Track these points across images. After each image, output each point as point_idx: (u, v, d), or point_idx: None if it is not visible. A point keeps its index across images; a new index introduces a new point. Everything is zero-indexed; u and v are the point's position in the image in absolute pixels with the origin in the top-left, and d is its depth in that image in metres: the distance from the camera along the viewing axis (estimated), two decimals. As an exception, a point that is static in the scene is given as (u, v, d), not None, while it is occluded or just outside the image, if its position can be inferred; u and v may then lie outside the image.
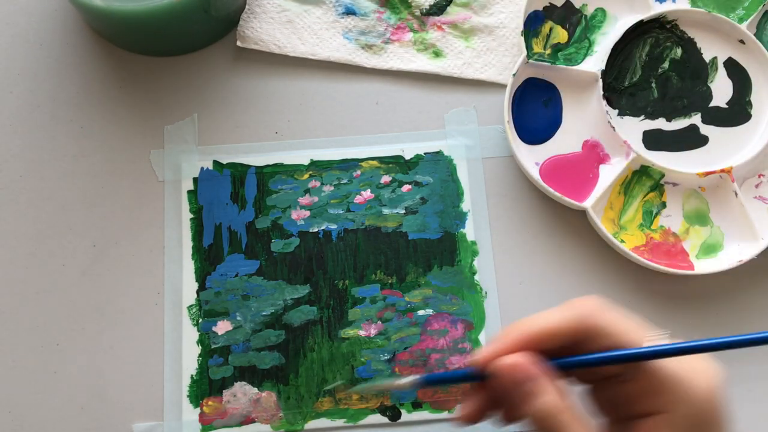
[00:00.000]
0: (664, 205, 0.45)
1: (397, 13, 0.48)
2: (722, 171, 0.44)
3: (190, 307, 0.42)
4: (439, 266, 0.43)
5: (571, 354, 0.30)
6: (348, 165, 0.45)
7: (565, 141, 0.45)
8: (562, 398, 0.29)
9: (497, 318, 0.42)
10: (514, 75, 0.45)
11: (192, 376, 0.41)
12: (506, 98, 0.44)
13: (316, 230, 0.44)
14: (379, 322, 0.42)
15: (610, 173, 0.44)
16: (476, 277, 0.43)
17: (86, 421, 0.41)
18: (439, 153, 0.46)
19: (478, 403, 0.32)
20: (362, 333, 0.42)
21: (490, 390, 0.31)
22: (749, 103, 0.46)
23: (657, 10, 0.47)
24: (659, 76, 0.47)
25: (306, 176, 0.45)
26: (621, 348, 0.29)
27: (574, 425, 0.29)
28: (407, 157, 0.45)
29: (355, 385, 0.40)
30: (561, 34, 0.48)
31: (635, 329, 0.30)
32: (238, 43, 0.47)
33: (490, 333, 0.42)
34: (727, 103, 0.46)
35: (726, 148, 0.45)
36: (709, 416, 0.29)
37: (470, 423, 0.33)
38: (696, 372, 0.29)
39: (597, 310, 0.30)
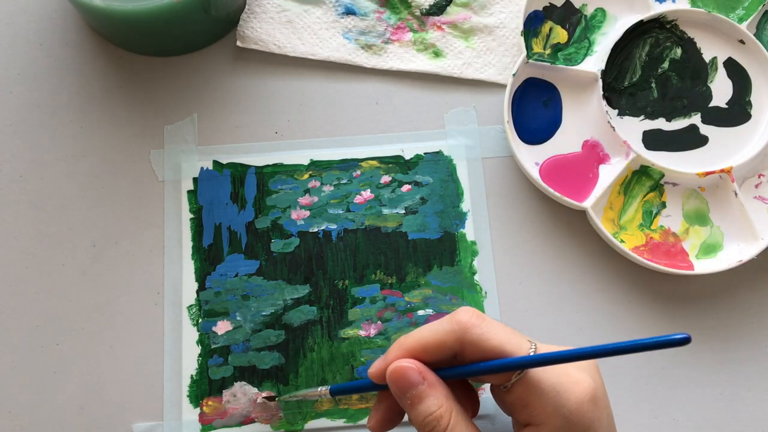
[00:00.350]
0: (663, 205, 0.45)
1: (397, 13, 0.48)
2: (722, 171, 0.44)
3: (190, 307, 0.42)
4: (439, 266, 0.43)
5: (456, 363, 0.32)
6: (348, 165, 0.45)
7: (565, 141, 0.45)
8: (445, 404, 0.30)
9: (497, 318, 0.42)
10: (514, 75, 0.45)
11: (192, 376, 0.41)
12: (506, 98, 0.44)
13: (316, 230, 0.44)
14: (379, 322, 0.42)
15: (609, 173, 0.44)
16: (476, 277, 0.43)
17: (86, 421, 0.41)
18: (439, 153, 0.46)
19: (384, 411, 0.34)
20: (362, 333, 0.42)
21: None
22: (749, 103, 0.46)
23: (657, 10, 0.47)
24: (659, 76, 0.47)
25: (306, 176, 0.45)
26: (493, 358, 0.30)
27: (456, 430, 0.30)
28: (407, 157, 0.45)
29: (277, 397, 0.41)
30: (561, 34, 0.48)
31: (509, 340, 0.30)
32: (238, 43, 0.47)
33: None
34: (727, 103, 0.46)
35: (726, 148, 0.45)
36: (581, 428, 0.29)
37: (378, 430, 0.34)
38: (569, 385, 0.30)
39: (472, 322, 0.31)
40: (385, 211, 0.44)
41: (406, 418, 0.34)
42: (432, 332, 0.31)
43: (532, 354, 0.30)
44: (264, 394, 0.41)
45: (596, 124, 0.45)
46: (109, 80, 0.47)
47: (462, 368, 0.31)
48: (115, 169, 0.45)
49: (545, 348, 0.31)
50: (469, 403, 0.35)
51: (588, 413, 0.29)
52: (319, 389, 0.37)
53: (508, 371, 0.30)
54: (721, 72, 0.47)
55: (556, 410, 0.29)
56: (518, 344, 0.30)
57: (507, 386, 0.31)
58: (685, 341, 0.25)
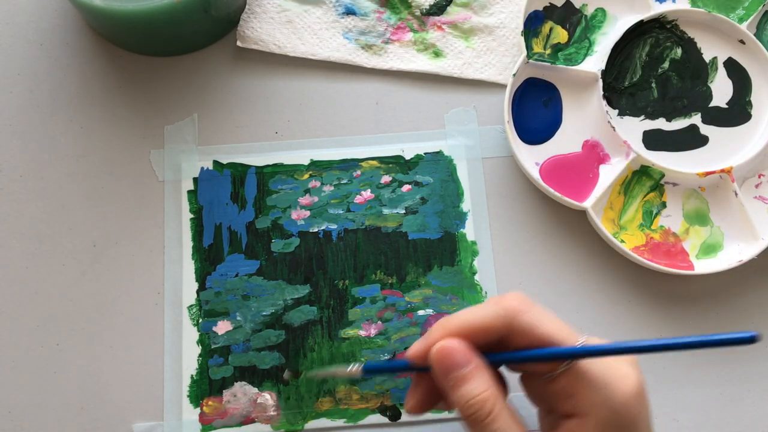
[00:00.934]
0: (664, 205, 0.45)
1: (397, 13, 0.48)
2: (722, 171, 0.44)
3: (190, 307, 0.42)
4: (439, 266, 0.43)
5: (499, 348, 0.31)
6: (348, 165, 0.45)
7: (565, 141, 0.45)
8: (490, 389, 0.29)
9: (497, 318, 0.42)
10: (514, 75, 0.45)
11: (192, 376, 0.41)
12: (506, 98, 0.44)
13: (316, 230, 0.44)
14: (379, 322, 0.42)
15: (610, 173, 0.44)
16: (476, 277, 0.43)
17: (86, 421, 0.41)
18: (439, 153, 0.46)
19: (421, 394, 0.33)
20: (362, 333, 0.42)
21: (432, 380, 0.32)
22: (749, 103, 0.46)
23: (657, 10, 0.47)
24: (659, 76, 0.47)
25: (306, 176, 0.45)
26: (543, 346, 0.30)
27: (500, 417, 0.29)
28: (407, 157, 0.45)
29: (303, 373, 0.40)
30: (561, 34, 0.48)
31: (559, 329, 0.30)
32: (238, 43, 0.47)
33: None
34: (727, 103, 0.46)
35: (726, 148, 0.45)
36: (628, 422, 0.29)
37: (416, 413, 0.34)
38: (618, 378, 0.29)
39: (522, 308, 0.30)
40: (386, 211, 0.44)
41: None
42: (479, 315, 0.30)
43: (582, 345, 0.29)
44: (285, 376, 0.40)
45: (596, 124, 0.45)
46: (109, 80, 0.47)
47: (511, 354, 0.30)
48: (115, 169, 0.45)
49: (594, 341, 0.30)
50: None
51: (634, 408, 0.29)
52: (349, 367, 0.36)
53: (561, 360, 0.29)
54: (722, 72, 0.47)
55: (604, 402, 0.29)
56: (568, 334, 0.30)
57: (552, 375, 0.30)
58: (752, 340, 0.25)
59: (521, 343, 0.30)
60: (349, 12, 0.48)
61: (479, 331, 0.30)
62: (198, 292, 0.43)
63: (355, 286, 0.43)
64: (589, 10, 0.48)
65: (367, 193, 0.45)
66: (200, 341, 0.42)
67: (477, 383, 0.29)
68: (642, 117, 0.46)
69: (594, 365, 0.29)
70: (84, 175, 0.45)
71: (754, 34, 0.47)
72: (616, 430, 0.29)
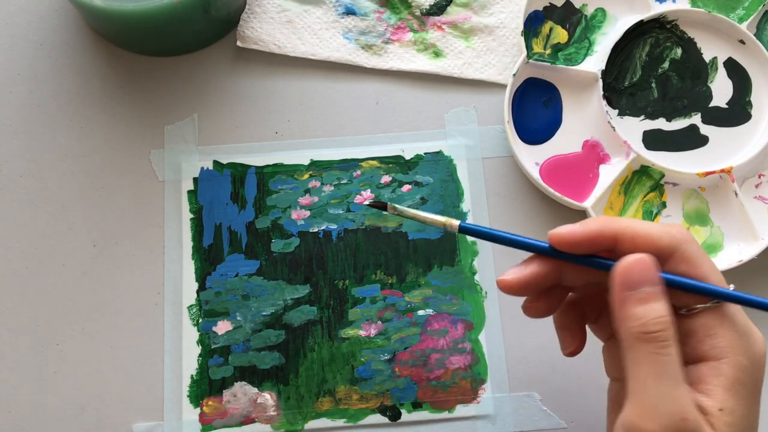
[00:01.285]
0: (664, 205, 0.45)
1: (397, 13, 0.48)
2: (722, 171, 0.44)
3: (190, 307, 0.42)
4: (439, 266, 0.43)
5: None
6: (348, 165, 0.45)
7: (565, 141, 0.45)
8: (671, 313, 0.28)
9: (497, 318, 0.42)
10: (514, 75, 0.45)
11: (192, 376, 0.41)
12: (506, 98, 0.44)
13: (316, 230, 0.44)
14: (379, 322, 0.42)
15: (610, 173, 0.44)
16: (476, 277, 0.43)
17: (86, 421, 0.41)
18: (439, 153, 0.46)
19: (547, 299, 0.33)
20: (362, 333, 0.42)
21: (561, 277, 0.32)
22: (749, 103, 0.46)
23: (657, 10, 0.47)
24: (659, 76, 0.47)
25: (306, 176, 0.45)
26: (699, 280, 0.29)
27: (675, 344, 0.28)
28: (407, 157, 0.45)
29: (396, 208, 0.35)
30: (561, 34, 0.48)
31: (715, 271, 0.30)
32: (238, 43, 0.47)
33: (490, 333, 0.42)
34: (727, 103, 0.46)
35: (726, 148, 0.45)
36: (760, 376, 0.29)
37: (534, 313, 0.33)
38: (755, 333, 0.29)
39: (689, 238, 0.30)
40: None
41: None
42: (650, 229, 0.29)
43: (732, 287, 0.29)
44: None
45: (596, 124, 0.45)
46: (109, 80, 0.47)
47: (682, 279, 0.29)
48: (115, 169, 0.45)
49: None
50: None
51: (763, 366, 0.29)
52: (446, 219, 0.34)
53: (717, 298, 0.29)
54: (722, 72, 0.47)
55: (745, 349, 0.28)
56: (720, 278, 0.30)
57: (697, 309, 0.29)
58: None
59: (677, 271, 0.29)
60: (349, 12, 0.48)
61: (644, 244, 0.29)
62: (198, 292, 0.43)
63: (355, 286, 0.43)
64: (589, 10, 0.48)
65: (367, 193, 0.45)
66: (200, 341, 0.42)
67: (662, 304, 0.28)
68: (642, 117, 0.46)
69: (738, 314, 0.29)
70: (84, 175, 0.45)
71: (754, 34, 0.47)
72: (750, 378, 0.28)
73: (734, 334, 0.29)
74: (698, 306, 0.29)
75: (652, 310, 0.28)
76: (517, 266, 0.33)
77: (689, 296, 0.30)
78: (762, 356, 0.29)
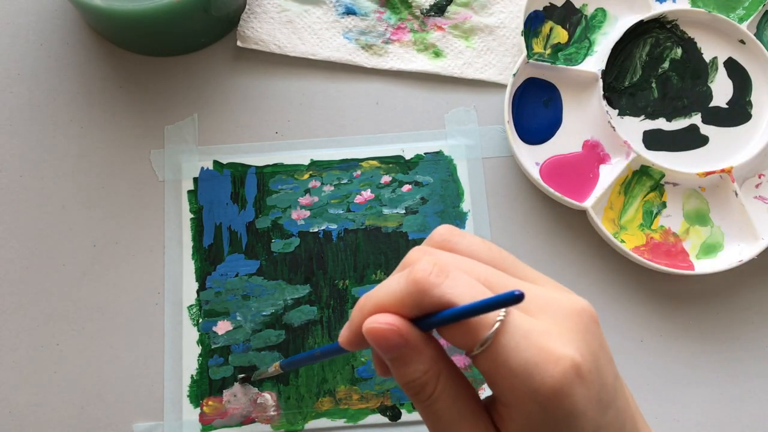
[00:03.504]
0: (664, 205, 0.45)
1: (397, 13, 0.48)
2: (722, 171, 0.44)
3: (190, 307, 0.42)
4: (439, 266, 0.43)
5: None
6: (348, 165, 0.45)
7: (565, 141, 0.45)
8: (431, 369, 0.26)
9: (497, 318, 0.42)
10: (514, 75, 0.45)
11: (192, 376, 0.41)
12: (506, 98, 0.44)
13: (316, 230, 0.44)
14: (380, 322, 0.42)
15: (610, 173, 0.44)
16: (476, 277, 0.43)
17: (86, 421, 0.41)
18: (439, 153, 0.46)
19: (381, 359, 0.29)
20: (362, 333, 0.42)
21: None
22: (749, 103, 0.46)
23: (657, 10, 0.47)
24: (659, 76, 0.47)
25: (306, 176, 0.45)
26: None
27: (441, 398, 0.26)
28: (407, 157, 0.45)
29: (251, 377, 0.41)
30: (561, 34, 0.48)
31: (470, 293, 0.25)
32: (238, 43, 0.47)
33: (491, 333, 0.42)
34: (727, 103, 0.46)
35: (726, 148, 0.45)
36: (561, 415, 0.24)
37: (386, 376, 0.30)
38: (547, 363, 0.24)
39: (430, 282, 0.25)
40: (386, 211, 0.44)
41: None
42: (389, 295, 0.26)
43: (499, 320, 0.24)
44: (239, 379, 0.41)
45: (596, 124, 0.45)
46: (109, 80, 0.47)
47: (421, 321, 0.26)
48: (115, 169, 0.45)
49: (526, 318, 0.25)
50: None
51: (568, 397, 0.24)
52: (271, 367, 0.37)
53: (457, 318, 0.24)
54: (722, 72, 0.47)
55: (529, 395, 0.24)
56: (475, 294, 0.24)
57: (471, 356, 0.25)
58: (518, 299, 0.22)
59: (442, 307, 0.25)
60: (350, 12, 0.48)
61: (395, 311, 0.26)
62: (198, 292, 0.43)
63: (355, 286, 0.43)
64: (589, 10, 0.48)
65: (367, 193, 0.45)
66: (200, 341, 0.42)
67: (416, 365, 0.25)
68: (642, 117, 0.46)
69: (518, 350, 0.24)
70: (84, 175, 0.45)
71: (755, 34, 0.47)
72: (547, 423, 0.24)
73: (514, 380, 0.24)
74: (472, 353, 0.25)
75: (406, 374, 0.26)
76: (374, 360, 0.30)
77: (460, 338, 0.25)
78: (551, 393, 0.24)
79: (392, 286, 0.26)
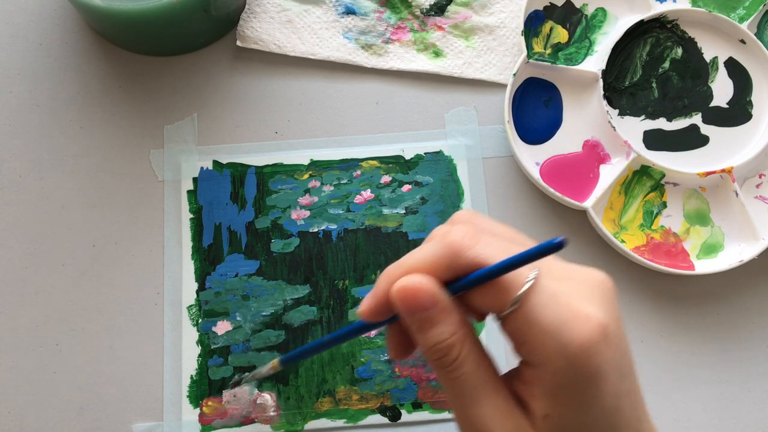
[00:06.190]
0: (664, 205, 0.45)
1: (397, 13, 0.48)
2: (723, 171, 0.44)
3: (189, 307, 0.42)
4: (439, 266, 0.43)
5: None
6: (348, 165, 0.45)
7: (566, 141, 0.45)
8: (458, 332, 0.26)
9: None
10: (514, 75, 0.45)
11: (192, 377, 0.41)
12: (506, 98, 0.44)
13: (316, 230, 0.44)
14: (379, 323, 0.42)
15: (610, 173, 0.44)
16: (476, 277, 0.43)
17: (86, 421, 0.41)
18: (439, 153, 0.46)
19: (397, 338, 0.29)
20: (362, 333, 0.42)
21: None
22: (750, 103, 0.46)
23: (657, 9, 0.47)
24: (660, 76, 0.47)
25: (306, 176, 0.45)
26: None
27: (466, 362, 0.26)
28: (407, 157, 0.45)
29: (240, 381, 0.39)
30: (561, 34, 0.47)
31: (503, 254, 0.26)
32: (238, 43, 0.47)
33: (491, 333, 0.42)
34: (727, 103, 0.46)
35: (726, 148, 0.45)
36: (588, 372, 0.25)
37: (400, 359, 0.31)
38: (576, 321, 0.25)
39: (465, 243, 0.26)
40: (386, 211, 0.44)
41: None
42: (421, 260, 0.26)
43: (530, 280, 0.25)
44: (232, 384, 0.39)
45: (597, 124, 0.45)
46: (109, 80, 0.47)
47: (452, 285, 0.27)
48: (115, 169, 0.45)
49: (553, 281, 0.26)
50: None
51: (596, 355, 0.24)
52: (271, 363, 0.35)
53: (495, 274, 0.25)
54: (722, 72, 0.47)
55: (558, 351, 0.25)
56: (517, 272, 0.26)
57: (502, 317, 0.26)
58: (560, 245, 0.23)
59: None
60: (349, 12, 0.48)
61: (430, 273, 0.26)
62: (198, 292, 0.43)
63: (355, 286, 0.43)
64: (590, 10, 0.48)
65: (367, 193, 0.45)
66: (200, 341, 0.42)
67: (444, 327, 0.26)
68: (642, 117, 0.46)
69: (548, 308, 0.25)
70: (84, 175, 0.45)
71: (755, 34, 0.47)
72: (574, 381, 0.25)
73: (544, 337, 0.25)
74: (503, 312, 0.26)
75: (433, 337, 0.26)
76: (387, 344, 0.30)
77: (489, 299, 0.26)
78: (580, 350, 0.24)
79: (424, 250, 0.27)
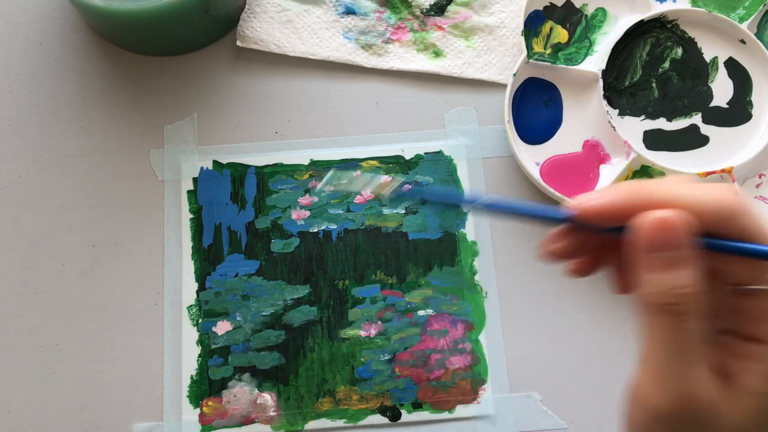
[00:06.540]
0: (664, 205, 0.44)
1: (397, 13, 0.48)
2: (723, 171, 0.44)
3: (189, 308, 0.42)
4: (439, 266, 0.43)
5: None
6: (348, 165, 0.45)
7: (566, 141, 0.45)
8: (699, 285, 0.24)
9: (497, 318, 0.42)
10: (514, 75, 0.45)
11: (192, 377, 0.41)
12: (506, 98, 0.44)
13: (316, 230, 0.44)
14: (379, 323, 0.42)
15: (610, 173, 0.44)
16: (476, 278, 0.43)
17: (86, 421, 0.41)
18: (439, 153, 0.46)
19: (581, 252, 0.27)
20: (362, 333, 0.42)
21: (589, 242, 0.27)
22: (750, 103, 0.46)
23: (657, 9, 0.47)
24: (660, 76, 0.47)
25: (306, 176, 0.45)
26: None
27: (694, 319, 0.24)
28: (407, 157, 0.45)
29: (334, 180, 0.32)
30: (561, 34, 0.47)
31: None
32: (238, 43, 0.47)
33: (491, 333, 0.42)
34: (727, 103, 0.46)
35: (726, 148, 0.45)
36: None
37: (581, 276, 0.29)
38: None
39: (744, 209, 0.25)
40: (386, 211, 0.44)
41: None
42: (693, 200, 0.24)
43: None
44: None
45: (597, 124, 0.45)
46: (109, 80, 0.47)
47: (732, 244, 0.25)
48: (115, 169, 0.45)
49: None
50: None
51: None
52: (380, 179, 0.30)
53: (749, 255, 0.24)
54: (722, 72, 0.47)
55: None
56: None
57: (754, 289, 0.25)
58: None
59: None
60: (349, 12, 0.48)
61: (697, 215, 0.24)
62: (198, 292, 0.43)
63: (355, 286, 0.43)
64: (590, 10, 0.48)
65: (367, 193, 0.45)
66: (200, 341, 0.42)
67: (688, 273, 0.24)
68: (642, 117, 0.46)
69: None
70: (84, 175, 0.45)
71: (755, 34, 0.47)
72: None
73: None
74: (757, 287, 0.25)
75: (674, 279, 0.24)
76: (553, 238, 0.28)
77: (750, 269, 0.25)
78: None
79: (700, 191, 0.25)
